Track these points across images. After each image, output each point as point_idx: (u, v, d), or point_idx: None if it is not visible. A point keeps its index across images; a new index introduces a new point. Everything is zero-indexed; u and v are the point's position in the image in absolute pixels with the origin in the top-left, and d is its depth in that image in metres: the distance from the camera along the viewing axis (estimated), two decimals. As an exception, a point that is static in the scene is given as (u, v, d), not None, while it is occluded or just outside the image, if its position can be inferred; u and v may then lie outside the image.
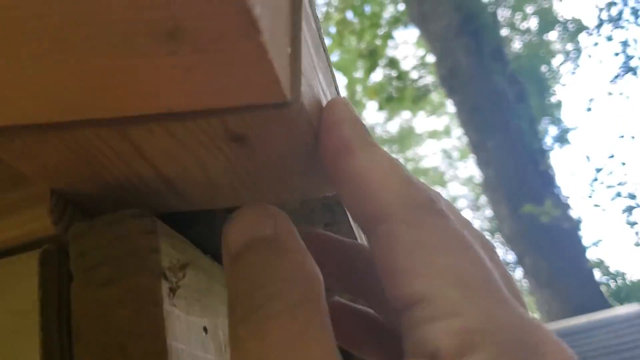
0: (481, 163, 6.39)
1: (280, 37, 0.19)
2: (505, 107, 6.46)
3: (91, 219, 0.26)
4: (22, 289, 0.27)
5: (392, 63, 10.33)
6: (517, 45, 9.27)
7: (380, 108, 11.12)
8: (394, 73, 10.15)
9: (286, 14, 0.20)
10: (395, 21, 10.33)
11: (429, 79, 9.70)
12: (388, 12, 10.31)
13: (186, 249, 0.28)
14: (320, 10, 12.08)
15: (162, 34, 0.16)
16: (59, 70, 0.18)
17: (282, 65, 0.19)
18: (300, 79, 0.21)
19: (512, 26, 9.13)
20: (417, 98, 10.11)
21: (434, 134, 16.05)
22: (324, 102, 0.25)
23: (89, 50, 0.17)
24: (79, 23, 0.16)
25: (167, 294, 0.24)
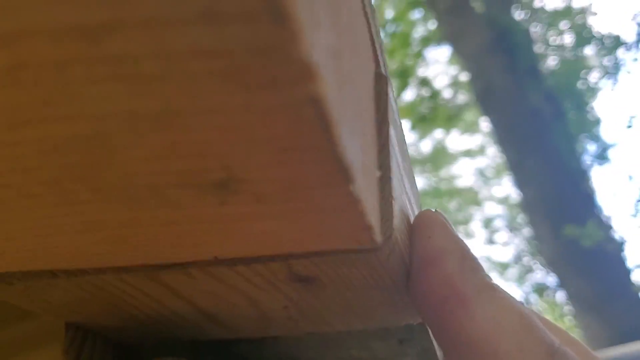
0: (519, 182, 6.23)
1: (369, 164, 0.14)
2: (542, 124, 6.31)
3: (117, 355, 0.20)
4: None
5: (424, 82, 10.28)
6: (552, 61, 9.11)
7: (413, 128, 11.07)
8: (426, 92, 10.10)
9: (372, 125, 0.15)
10: (427, 40, 10.30)
11: (462, 98, 9.60)
12: (419, 31, 10.28)
13: None
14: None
15: (208, 185, 0.11)
16: (66, 223, 0.13)
17: (373, 203, 0.14)
18: (392, 212, 0.15)
19: (546, 42, 8.98)
20: (451, 117, 10.03)
21: (468, 153, 15.86)
22: (410, 213, 0.20)
23: (101, 202, 0.12)
24: (81, 177, 0.11)
25: None
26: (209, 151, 0.10)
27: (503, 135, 6.46)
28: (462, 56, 7.21)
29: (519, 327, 0.16)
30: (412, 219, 0.19)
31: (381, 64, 0.16)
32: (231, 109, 0.09)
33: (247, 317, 0.20)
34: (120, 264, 0.15)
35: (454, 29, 7.32)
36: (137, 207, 0.12)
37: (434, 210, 0.19)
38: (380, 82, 0.16)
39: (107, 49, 0.07)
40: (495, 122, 6.56)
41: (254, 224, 0.13)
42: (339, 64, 0.10)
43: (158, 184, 0.11)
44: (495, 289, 0.17)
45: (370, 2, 0.16)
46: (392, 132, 0.16)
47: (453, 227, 0.19)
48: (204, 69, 0.08)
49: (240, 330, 0.22)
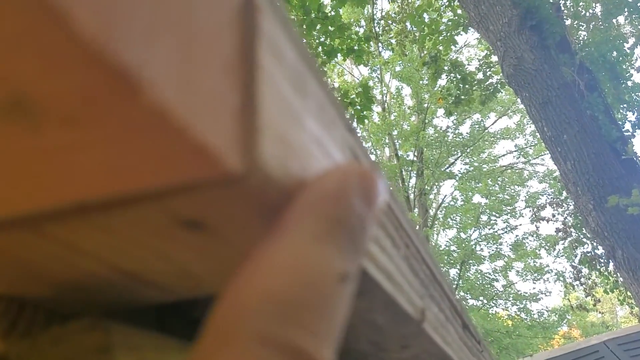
0: (557, 158, 6.06)
1: (209, 86, 0.13)
2: (578, 97, 6.12)
3: (38, 330, 0.20)
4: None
5: (456, 67, 10.15)
6: (583, 33, 8.84)
7: (449, 113, 10.90)
8: (458, 76, 9.96)
9: (227, 52, 0.14)
10: (455, 26, 10.16)
11: (496, 79, 9.42)
12: (446, 17, 10.14)
13: (160, 354, 0.22)
14: (379, 23, 11.99)
15: (8, 106, 0.11)
16: None
17: (221, 127, 0.13)
18: (258, 140, 0.14)
19: (576, 15, 8.72)
20: (486, 99, 9.84)
21: (506, 133, 15.51)
22: (320, 157, 0.19)
23: None
24: None
25: None
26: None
27: (538, 113, 6.29)
28: (489, 38, 7.04)
29: (289, 270, 0.15)
30: (320, 162, 0.19)
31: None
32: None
33: (170, 274, 0.20)
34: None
35: (480, 12, 7.15)
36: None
37: (363, 171, 0.18)
38: (248, 12, 0.16)
39: None
40: (529, 100, 6.40)
41: (85, 154, 0.12)
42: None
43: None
44: (315, 242, 0.16)
45: None
46: (265, 62, 0.16)
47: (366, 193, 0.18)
48: None
49: (174, 290, 0.22)
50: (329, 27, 6.05)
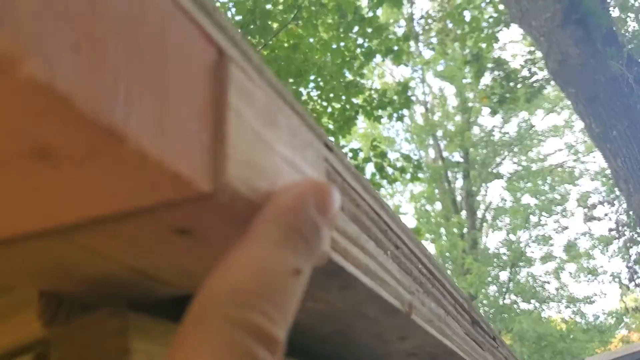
0: (607, 155, 5.89)
1: (183, 128, 0.18)
2: (627, 91, 5.93)
3: (71, 321, 0.25)
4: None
5: (499, 64, 9.95)
6: (632, 24, 8.56)
7: (494, 112, 10.71)
8: (502, 74, 9.77)
9: (201, 101, 0.19)
10: (497, 22, 9.98)
11: (541, 75, 9.21)
12: (488, 14, 9.98)
13: (169, 337, 0.27)
14: (419, 22, 11.94)
15: (31, 153, 0.16)
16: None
17: (193, 157, 0.18)
18: (224, 166, 0.19)
19: (623, 6, 8.45)
20: (531, 96, 9.63)
21: (555, 130, 15.14)
22: (291, 174, 0.24)
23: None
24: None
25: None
26: (19, 130, 0.15)
27: (585, 109, 6.15)
28: (532, 34, 6.91)
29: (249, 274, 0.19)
30: (290, 178, 0.23)
31: (222, 47, 0.20)
32: None
33: (171, 272, 0.25)
34: (30, 229, 0.20)
35: (521, 8, 7.03)
36: (7, 177, 0.17)
37: (320, 184, 0.23)
38: (219, 66, 0.20)
39: None
40: (576, 96, 6.25)
41: (90, 183, 0.17)
42: (86, 60, 0.14)
43: (3, 157, 0.16)
44: (274, 247, 0.20)
45: (201, 2, 0.20)
46: (235, 106, 0.20)
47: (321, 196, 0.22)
48: None
49: (177, 285, 0.26)
50: (367, 29, 6.06)
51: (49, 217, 0.19)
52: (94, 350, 0.24)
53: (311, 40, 5.91)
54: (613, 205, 9.73)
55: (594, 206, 11.08)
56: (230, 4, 5.31)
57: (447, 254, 13.39)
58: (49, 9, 0.13)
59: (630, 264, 9.38)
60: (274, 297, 0.19)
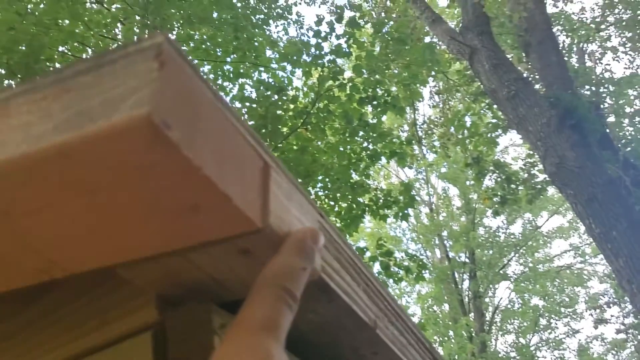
0: (609, 255, 6.00)
1: (251, 196, 0.39)
2: (624, 193, 6.14)
3: (178, 309, 0.45)
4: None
5: (500, 167, 10.24)
6: (629, 128, 8.93)
7: (496, 213, 10.87)
8: (502, 176, 10.03)
9: (258, 184, 0.40)
10: (495, 127, 10.38)
11: (542, 177, 9.48)
12: (487, 120, 10.43)
13: (230, 318, 0.47)
14: (421, 127, 12.52)
15: (188, 207, 0.37)
16: (146, 228, 0.39)
17: (254, 210, 0.39)
18: (268, 215, 0.40)
19: (616, 113, 8.87)
20: (533, 197, 9.82)
21: (560, 232, 15.27)
22: (298, 225, 0.44)
23: (157, 217, 0.38)
24: (150, 207, 0.37)
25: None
26: (186, 194, 0.36)
27: (584, 210, 6.34)
28: (530, 138, 7.25)
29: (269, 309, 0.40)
30: (298, 226, 0.44)
31: (267, 160, 0.42)
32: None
33: (235, 281, 0.45)
34: (169, 249, 0.41)
35: (519, 114, 7.41)
36: (169, 218, 0.38)
37: (308, 229, 0.44)
38: (265, 169, 0.42)
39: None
40: (574, 198, 6.47)
41: (210, 222, 0.38)
42: (218, 164, 0.35)
43: (162, 209, 0.37)
44: (284, 287, 0.41)
45: (253, 134, 0.42)
46: (272, 187, 0.41)
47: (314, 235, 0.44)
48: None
49: (235, 291, 0.46)
50: (371, 134, 6.42)
51: (179, 242, 0.40)
52: (192, 321, 0.44)
53: (319, 143, 6.29)
54: (620, 307, 9.67)
55: (603, 309, 10.98)
56: (244, 110, 5.74)
57: (456, 357, 13.06)
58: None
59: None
60: (294, 278, 0.39)
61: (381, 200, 6.59)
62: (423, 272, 6.70)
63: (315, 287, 0.47)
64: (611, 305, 9.96)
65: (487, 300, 15.10)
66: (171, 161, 0.33)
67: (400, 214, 6.55)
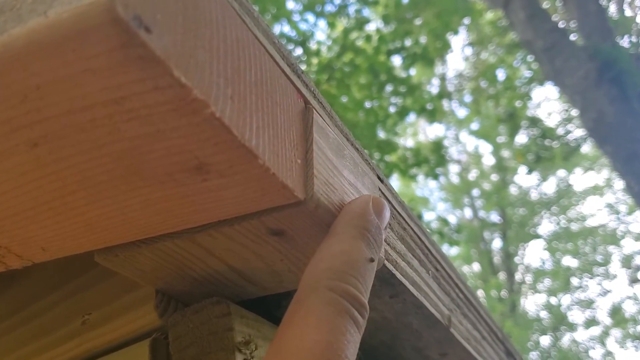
0: (649, 215, 5.76)
1: (286, 152, 0.25)
2: (665, 149, 5.87)
3: (185, 309, 0.33)
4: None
5: (534, 122, 9.95)
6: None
7: (530, 170, 10.61)
8: (537, 132, 9.75)
9: (297, 134, 0.27)
10: (530, 81, 10.04)
11: (578, 133, 9.17)
12: (522, 73, 10.08)
13: (258, 325, 0.34)
14: (452, 82, 12.15)
15: (191, 168, 0.23)
16: (132, 201, 0.25)
17: (291, 174, 0.25)
18: (312, 181, 0.26)
19: (659, 64, 8.47)
20: (568, 154, 9.54)
21: (595, 190, 14.88)
22: (352, 192, 0.31)
23: (146, 184, 0.24)
24: (133, 170, 0.23)
25: (242, 364, 0.30)
26: (186, 150, 0.22)
27: (623, 167, 6.09)
28: (567, 92, 6.96)
29: (333, 259, 0.27)
30: (353, 196, 0.30)
31: (309, 100, 0.28)
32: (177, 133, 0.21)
33: (262, 271, 0.32)
34: (169, 230, 0.28)
35: (555, 67, 7.10)
36: (164, 187, 0.24)
37: (369, 197, 0.30)
38: (307, 112, 0.28)
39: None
40: (613, 155, 6.22)
41: (226, 192, 0.25)
42: (237, 102, 0.22)
43: (169, 171, 0.23)
44: (353, 237, 0.28)
45: (293, 65, 0.28)
46: (317, 139, 0.28)
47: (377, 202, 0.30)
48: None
49: (264, 285, 0.33)
50: (400, 88, 6.20)
51: (185, 220, 0.27)
52: (204, 328, 0.31)
53: (344, 99, 6.08)
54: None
55: (638, 267, 10.73)
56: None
57: (486, 316, 12.99)
58: (223, 77, 0.21)
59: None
60: (358, 275, 0.26)
61: (410, 159, 6.41)
62: (455, 235, 6.57)
63: (376, 279, 0.34)
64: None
65: (517, 260, 14.97)
66: (154, 89, 0.19)
67: (431, 173, 6.37)
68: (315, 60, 5.86)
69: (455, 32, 7.92)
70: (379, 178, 0.35)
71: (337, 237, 0.27)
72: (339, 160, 0.30)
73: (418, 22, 6.60)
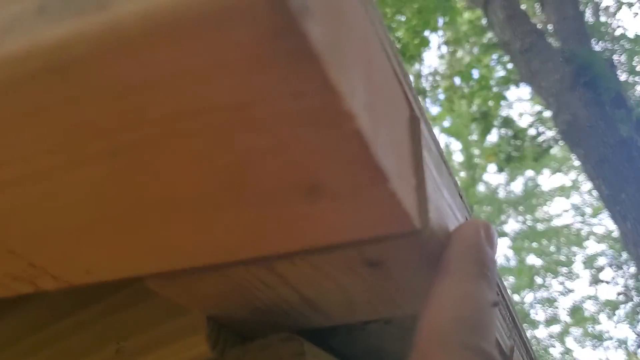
0: (616, 217, 5.90)
1: (405, 172, 0.21)
2: (636, 155, 6.00)
3: (243, 343, 0.28)
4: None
5: (507, 122, 10.08)
6: (639, 89, 8.73)
7: (500, 169, 10.77)
8: (509, 132, 9.88)
9: (408, 150, 0.22)
10: (505, 81, 10.17)
11: (549, 135, 9.32)
12: (497, 73, 10.18)
13: None
14: (427, 79, 12.19)
15: (304, 189, 0.19)
16: (218, 223, 0.21)
17: (409, 198, 0.21)
18: (427, 206, 0.22)
19: (631, 71, 8.64)
20: (539, 155, 9.70)
21: (562, 191, 15.16)
22: (451, 216, 0.26)
23: (242, 205, 0.20)
24: (231, 187, 0.19)
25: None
26: (304, 167, 0.18)
27: (594, 170, 6.19)
28: (542, 94, 7.03)
29: (456, 300, 0.22)
30: (452, 221, 0.26)
31: (414, 107, 0.24)
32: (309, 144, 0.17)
33: (337, 303, 0.27)
34: (247, 256, 0.23)
35: (532, 68, 7.18)
36: (261, 208, 0.20)
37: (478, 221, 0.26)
38: (413, 122, 0.23)
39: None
40: (584, 158, 6.31)
41: (332, 216, 0.20)
42: (371, 112, 0.17)
43: (275, 190, 0.19)
44: (475, 277, 0.23)
45: (400, 64, 0.23)
46: (425, 155, 0.23)
47: (488, 228, 0.26)
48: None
49: (333, 316, 0.29)
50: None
51: (271, 246, 0.22)
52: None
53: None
54: (621, 269, 9.66)
55: (600, 269, 10.99)
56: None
57: (451, 311, 13.18)
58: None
59: (638, 330, 9.24)
60: (487, 325, 0.22)
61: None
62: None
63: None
64: (612, 267, 9.94)
65: (483, 256, 15.17)
66: (296, 94, 0.14)
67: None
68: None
69: (435, 30, 7.93)
70: (460, 197, 0.31)
71: (455, 277, 0.23)
72: (440, 178, 0.26)
73: (398, 18, 6.59)
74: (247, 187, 0.18)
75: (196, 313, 0.29)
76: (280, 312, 0.28)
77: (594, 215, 14.13)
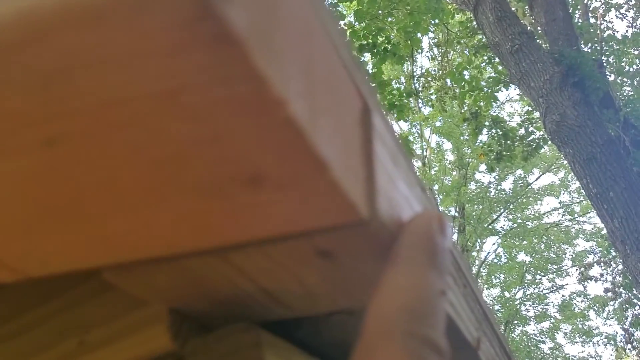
0: (604, 215, 5.94)
1: (352, 163, 0.21)
2: (623, 154, 6.04)
3: (205, 334, 0.28)
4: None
5: (497, 123, 10.12)
6: (627, 89, 8.80)
7: (491, 169, 10.81)
8: (499, 132, 9.92)
9: (358, 141, 0.23)
10: (496, 82, 10.21)
11: (538, 134, 9.37)
12: (487, 73, 10.22)
13: (289, 354, 0.30)
14: (419, 80, 12.24)
15: (245, 179, 0.19)
16: (163, 214, 0.21)
17: (356, 189, 0.21)
18: (376, 198, 0.22)
19: (619, 71, 8.70)
20: (529, 154, 9.75)
21: (551, 189, 15.26)
22: (406, 207, 0.27)
23: (184, 196, 0.20)
24: (171, 178, 0.19)
25: (275, 403, 0.26)
26: (243, 158, 0.18)
27: (582, 169, 6.23)
28: (531, 95, 7.07)
29: (407, 289, 0.23)
30: (407, 212, 0.26)
31: (367, 99, 0.24)
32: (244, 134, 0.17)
33: (296, 294, 0.28)
34: (200, 248, 0.23)
35: (521, 69, 7.21)
36: (204, 199, 0.20)
37: (431, 213, 0.26)
38: (365, 114, 0.24)
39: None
40: (573, 157, 6.35)
41: (279, 206, 0.20)
42: (309, 101, 0.18)
43: (216, 180, 0.19)
44: (423, 266, 0.24)
45: (352, 56, 0.24)
46: (377, 147, 0.24)
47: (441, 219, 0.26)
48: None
49: (294, 307, 0.29)
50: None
51: (221, 238, 0.22)
52: (231, 359, 0.27)
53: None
54: (610, 266, 9.73)
55: (589, 266, 11.07)
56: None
57: (442, 310, 13.24)
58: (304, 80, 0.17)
59: (626, 327, 9.32)
60: (434, 314, 0.22)
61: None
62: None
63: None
64: (601, 264, 10.02)
65: (474, 254, 15.27)
66: (223, 80, 0.15)
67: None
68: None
69: (426, 32, 7.96)
70: (421, 189, 0.32)
71: (403, 267, 0.23)
72: (395, 170, 0.26)
73: (390, 19, 6.61)
74: (188, 177, 0.19)
75: (158, 305, 0.29)
76: (241, 304, 0.28)
77: (583, 213, 14.24)
